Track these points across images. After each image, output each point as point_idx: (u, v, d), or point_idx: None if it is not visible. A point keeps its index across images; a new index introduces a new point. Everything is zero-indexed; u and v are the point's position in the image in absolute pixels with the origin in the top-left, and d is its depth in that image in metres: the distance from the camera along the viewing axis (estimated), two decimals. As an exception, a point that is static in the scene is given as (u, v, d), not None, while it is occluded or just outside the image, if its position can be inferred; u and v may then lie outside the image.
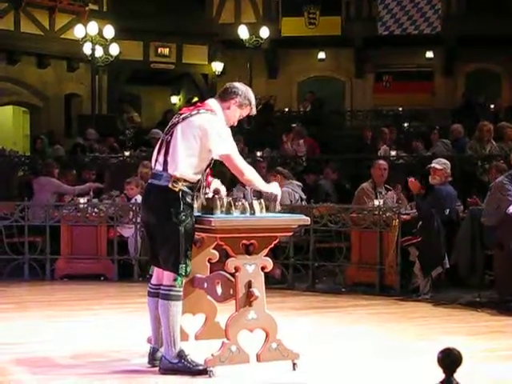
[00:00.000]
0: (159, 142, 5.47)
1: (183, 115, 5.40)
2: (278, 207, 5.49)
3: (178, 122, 5.38)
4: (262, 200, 5.46)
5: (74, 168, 12.68)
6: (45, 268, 10.01)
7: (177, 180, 5.25)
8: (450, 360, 2.48)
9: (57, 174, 11.73)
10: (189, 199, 5.29)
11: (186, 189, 5.28)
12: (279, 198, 5.48)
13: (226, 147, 5.30)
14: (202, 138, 5.27)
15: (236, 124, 5.62)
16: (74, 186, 11.70)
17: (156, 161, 5.41)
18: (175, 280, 5.28)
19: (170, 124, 5.47)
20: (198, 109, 5.41)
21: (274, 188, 5.50)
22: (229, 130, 5.44)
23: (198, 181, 5.38)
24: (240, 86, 5.52)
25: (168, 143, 5.35)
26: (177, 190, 5.25)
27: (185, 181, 5.27)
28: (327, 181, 11.88)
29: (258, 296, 5.25)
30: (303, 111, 21.18)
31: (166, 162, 5.31)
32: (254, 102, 5.58)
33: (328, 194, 11.12)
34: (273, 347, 5.33)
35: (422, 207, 8.82)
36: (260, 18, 23.03)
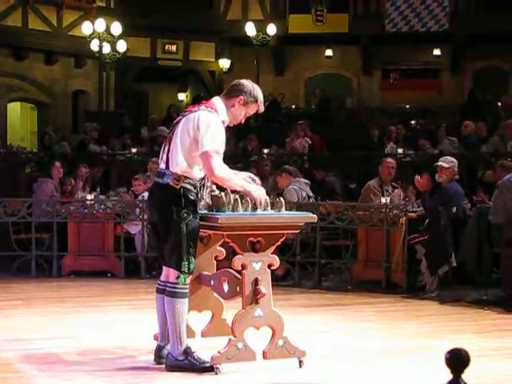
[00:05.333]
0: (165, 141, 5.47)
1: (187, 113, 5.40)
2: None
3: (180, 120, 5.38)
4: (268, 198, 5.43)
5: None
6: (52, 264, 10.02)
7: (178, 177, 5.24)
8: (457, 361, 2.47)
9: (61, 174, 11.31)
10: (191, 196, 5.27)
11: (187, 186, 5.26)
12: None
13: (207, 144, 5.15)
14: (195, 132, 5.21)
15: (243, 122, 5.59)
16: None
17: (161, 159, 5.42)
18: (178, 278, 5.28)
19: (174, 122, 5.48)
20: (199, 106, 5.40)
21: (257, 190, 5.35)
22: (223, 131, 5.31)
23: (202, 178, 5.37)
24: (246, 84, 5.44)
25: (170, 141, 5.36)
26: (178, 187, 5.24)
27: (186, 178, 5.26)
28: (335, 178, 11.84)
29: (264, 293, 5.24)
30: (314, 108, 21.15)
31: (168, 160, 5.32)
32: (261, 99, 5.45)
33: (335, 192, 11.07)
34: (279, 344, 5.33)
35: (429, 205, 8.81)
36: (267, 15, 22.98)
